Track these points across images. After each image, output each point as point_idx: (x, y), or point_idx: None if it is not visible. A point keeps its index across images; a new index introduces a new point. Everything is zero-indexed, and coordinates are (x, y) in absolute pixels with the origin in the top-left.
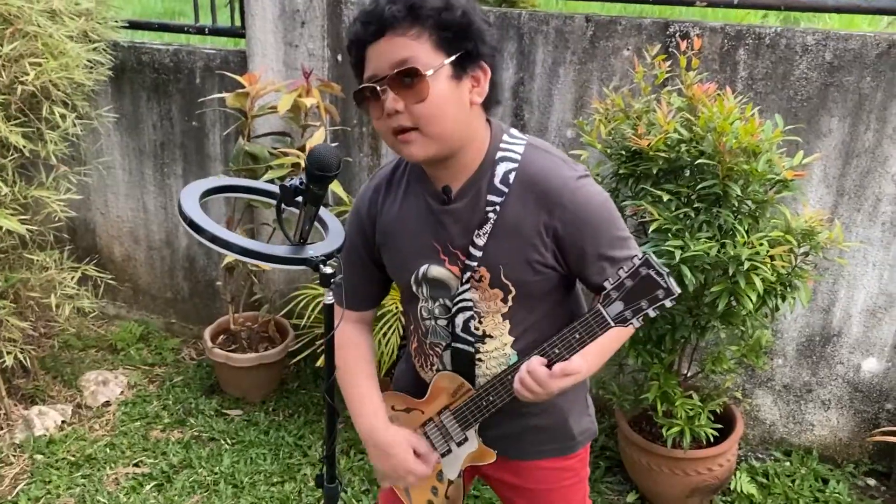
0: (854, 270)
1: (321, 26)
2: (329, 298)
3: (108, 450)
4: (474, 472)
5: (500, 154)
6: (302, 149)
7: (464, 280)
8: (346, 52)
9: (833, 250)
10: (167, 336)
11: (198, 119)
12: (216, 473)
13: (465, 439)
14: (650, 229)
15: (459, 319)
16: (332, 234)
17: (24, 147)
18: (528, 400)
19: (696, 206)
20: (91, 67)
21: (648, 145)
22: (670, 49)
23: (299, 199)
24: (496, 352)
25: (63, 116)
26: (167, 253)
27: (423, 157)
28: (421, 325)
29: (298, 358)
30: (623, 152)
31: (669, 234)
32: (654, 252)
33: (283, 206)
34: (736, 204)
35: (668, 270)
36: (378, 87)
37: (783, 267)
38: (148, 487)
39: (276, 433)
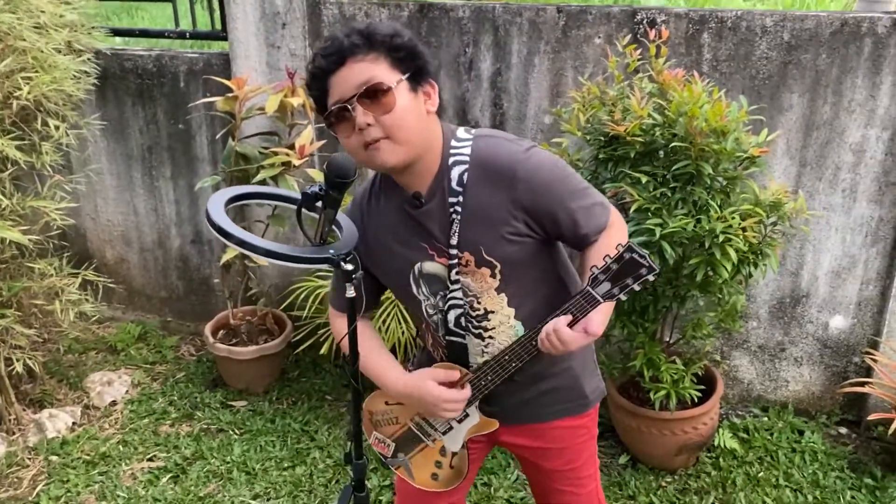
0: (819, 235)
1: (302, 27)
2: (351, 292)
3: (120, 447)
4: (491, 443)
5: (451, 159)
6: (291, 147)
7: (452, 274)
8: (307, 86)
9: (798, 219)
10: (165, 335)
11: (184, 122)
12: (228, 462)
13: (466, 415)
14: (631, 209)
15: (451, 316)
16: (346, 234)
17: (21, 160)
18: (550, 352)
19: (671, 185)
20: (78, 78)
21: (625, 131)
22: (639, 35)
23: (319, 203)
24: (502, 326)
25: (56, 127)
26: (160, 254)
27: (395, 163)
28: (430, 322)
29: (302, 348)
30: (601, 138)
31: (649, 213)
32: (635, 230)
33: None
34: (708, 181)
35: (647, 252)
36: (349, 107)
37: (754, 237)
38: (164, 480)
39: (282, 420)
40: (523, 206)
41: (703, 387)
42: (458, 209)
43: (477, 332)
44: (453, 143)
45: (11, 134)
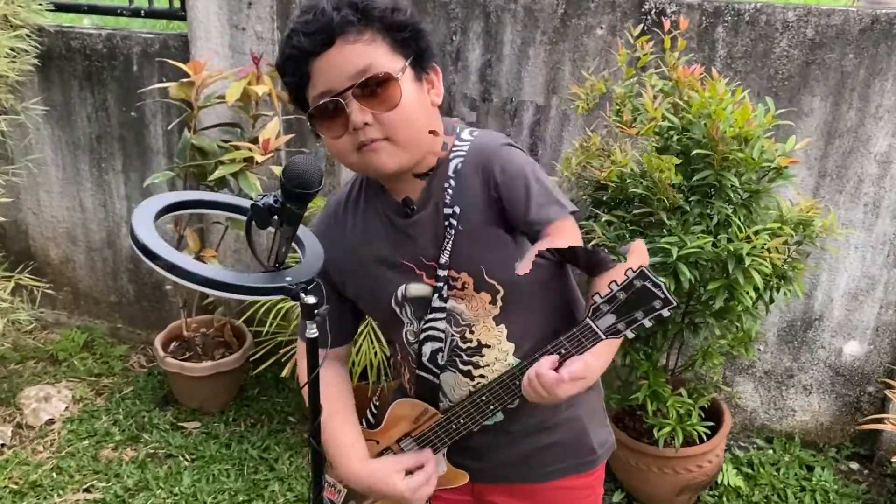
0: (836, 253)
1: (269, 6)
2: (313, 332)
3: (54, 474)
4: (476, 502)
5: (452, 162)
6: (254, 140)
7: (435, 299)
8: (280, 69)
9: (824, 238)
10: (113, 343)
11: (137, 109)
12: (176, 495)
13: None
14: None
15: (426, 349)
16: (309, 257)
17: None
18: (536, 401)
19: (689, 198)
20: (14, 56)
21: (638, 133)
22: (646, 27)
23: (275, 218)
24: (497, 363)
25: None
26: (109, 254)
27: (395, 168)
28: (410, 352)
29: (262, 367)
30: None
31: (664, 230)
32: (647, 249)
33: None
34: (730, 194)
35: (664, 281)
36: (342, 101)
37: (779, 259)
38: None
39: (239, 446)
40: (498, 200)
41: (710, 423)
42: (454, 221)
43: (466, 368)
44: (456, 142)
45: None
